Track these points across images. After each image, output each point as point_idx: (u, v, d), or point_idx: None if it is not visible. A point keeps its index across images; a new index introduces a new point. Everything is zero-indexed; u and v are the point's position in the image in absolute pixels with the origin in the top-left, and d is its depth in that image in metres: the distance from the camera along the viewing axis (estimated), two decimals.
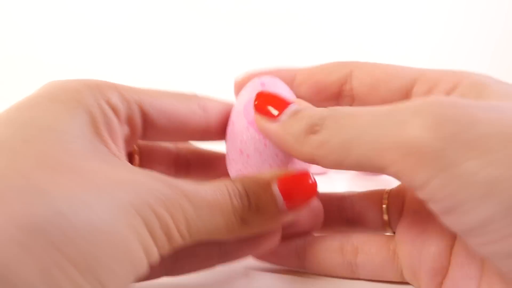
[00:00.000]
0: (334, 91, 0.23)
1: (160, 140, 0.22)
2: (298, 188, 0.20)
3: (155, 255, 0.16)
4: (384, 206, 0.23)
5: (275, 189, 0.19)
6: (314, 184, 0.20)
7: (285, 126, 0.19)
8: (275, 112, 0.19)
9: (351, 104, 0.23)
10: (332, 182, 0.47)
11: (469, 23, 0.79)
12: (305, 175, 0.20)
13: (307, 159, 0.19)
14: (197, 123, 0.22)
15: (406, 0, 0.80)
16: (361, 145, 0.17)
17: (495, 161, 0.14)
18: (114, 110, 0.19)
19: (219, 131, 0.23)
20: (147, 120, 0.20)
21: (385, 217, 0.23)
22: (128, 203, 0.15)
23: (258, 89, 0.21)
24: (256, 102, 0.20)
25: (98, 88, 0.18)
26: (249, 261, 0.24)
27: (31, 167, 0.14)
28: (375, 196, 0.24)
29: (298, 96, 0.23)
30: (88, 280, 0.13)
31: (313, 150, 0.18)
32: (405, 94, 0.21)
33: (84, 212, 0.14)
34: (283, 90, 0.22)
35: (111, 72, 0.80)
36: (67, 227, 0.13)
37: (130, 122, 0.20)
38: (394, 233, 0.23)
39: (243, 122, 0.21)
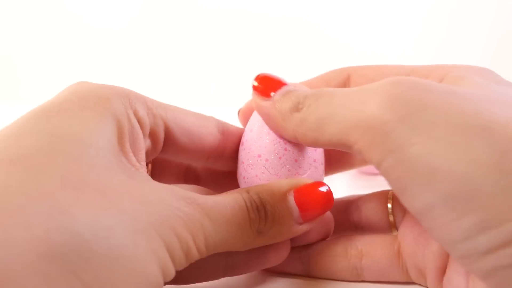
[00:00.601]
0: None
1: (176, 158, 0.22)
2: (314, 199, 0.20)
3: (172, 274, 0.16)
4: (389, 206, 0.23)
5: (291, 200, 0.19)
6: (330, 196, 0.21)
7: (276, 104, 0.20)
8: (271, 91, 0.20)
9: None
10: (333, 182, 0.47)
11: (469, 24, 0.79)
12: (321, 186, 0.20)
13: (291, 137, 0.20)
14: (214, 144, 0.22)
15: (406, 1, 0.80)
16: (332, 124, 0.17)
17: (436, 151, 0.14)
18: (140, 123, 0.19)
19: (234, 156, 0.23)
20: (169, 136, 0.20)
21: (391, 217, 0.23)
22: (150, 225, 0.15)
23: None
24: (255, 82, 0.21)
25: (127, 98, 0.19)
26: None
27: (55, 187, 0.14)
28: (381, 197, 0.24)
29: None
30: None
31: (295, 127, 0.19)
32: None
33: (105, 237, 0.14)
34: None
35: (111, 72, 0.80)
36: (86, 253, 0.13)
37: (153, 136, 0.20)
38: None
39: (264, 128, 0.21)
